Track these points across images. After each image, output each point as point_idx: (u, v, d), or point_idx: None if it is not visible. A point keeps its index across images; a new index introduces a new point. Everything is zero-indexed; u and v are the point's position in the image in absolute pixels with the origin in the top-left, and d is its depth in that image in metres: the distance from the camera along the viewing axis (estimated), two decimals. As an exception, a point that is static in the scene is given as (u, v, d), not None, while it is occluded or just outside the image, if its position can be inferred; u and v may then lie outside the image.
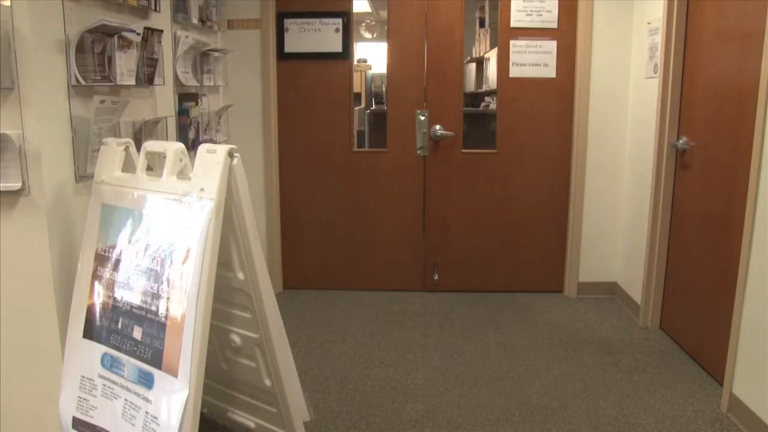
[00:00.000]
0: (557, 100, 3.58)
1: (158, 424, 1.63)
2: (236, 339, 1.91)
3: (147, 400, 1.67)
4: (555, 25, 3.50)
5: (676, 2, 2.90)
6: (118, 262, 1.80)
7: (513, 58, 3.55)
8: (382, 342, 3.05)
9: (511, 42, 3.54)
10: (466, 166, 3.68)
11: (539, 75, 3.56)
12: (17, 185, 1.77)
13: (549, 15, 3.49)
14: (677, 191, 3.02)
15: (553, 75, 3.55)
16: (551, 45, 3.52)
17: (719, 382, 2.52)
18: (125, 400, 1.72)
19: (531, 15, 3.50)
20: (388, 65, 3.65)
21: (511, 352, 2.93)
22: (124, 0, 2.19)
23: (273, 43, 3.58)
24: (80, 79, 1.90)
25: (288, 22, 3.58)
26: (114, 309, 1.78)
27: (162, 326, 1.67)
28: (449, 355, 2.90)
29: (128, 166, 1.89)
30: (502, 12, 3.54)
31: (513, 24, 3.52)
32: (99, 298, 1.82)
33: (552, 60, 3.54)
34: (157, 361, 1.67)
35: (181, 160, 1.77)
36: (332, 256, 3.82)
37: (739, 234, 2.30)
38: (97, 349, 1.80)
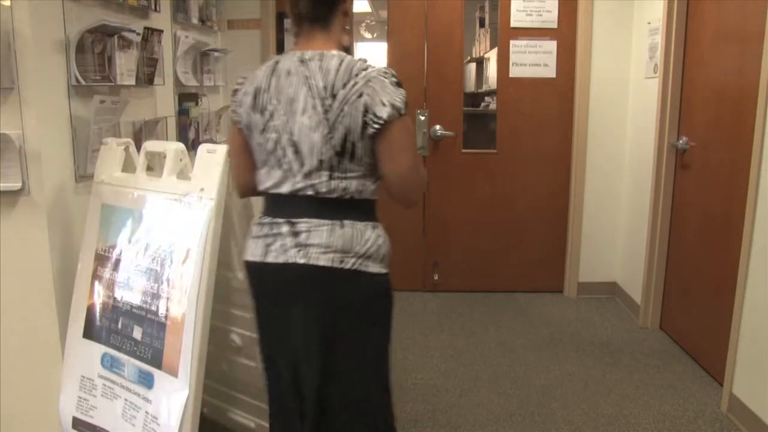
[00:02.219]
0: (557, 100, 3.58)
1: (158, 424, 1.63)
2: (236, 339, 1.91)
3: (147, 400, 1.67)
4: (555, 25, 3.50)
5: (676, 2, 2.90)
6: (118, 262, 1.80)
7: (513, 58, 3.55)
8: (382, 342, 3.04)
9: (511, 42, 3.54)
10: (466, 167, 3.68)
11: (539, 75, 3.56)
12: (17, 185, 1.77)
13: (549, 15, 3.49)
14: (677, 191, 3.02)
15: (553, 75, 3.55)
16: (551, 45, 3.52)
17: (719, 382, 2.52)
18: (125, 400, 1.72)
19: (531, 15, 3.50)
20: (388, 65, 3.65)
21: (511, 352, 2.93)
22: (124, 0, 2.19)
23: (273, 43, 3.58)
24: (80, 79, 1.90)
25: (288, 22, 3.58)
26: (114, 309, 1.78)
27: (162, 326, 1.67)
28: (449, 355, 2.90)
29: (128, 166, 1.89)
30: (502, 12, 3.53)
31: (513, 24, 3.52)
32: (99, 298, 1.82)
33: (552, 60, 3.53)
34: (157, 361, 1.67)
35: (181, 160, 1.77)
36: (332, 256, 3.81)
37: (739, 234, 2.29)
38: (97, 349, 1.80)
